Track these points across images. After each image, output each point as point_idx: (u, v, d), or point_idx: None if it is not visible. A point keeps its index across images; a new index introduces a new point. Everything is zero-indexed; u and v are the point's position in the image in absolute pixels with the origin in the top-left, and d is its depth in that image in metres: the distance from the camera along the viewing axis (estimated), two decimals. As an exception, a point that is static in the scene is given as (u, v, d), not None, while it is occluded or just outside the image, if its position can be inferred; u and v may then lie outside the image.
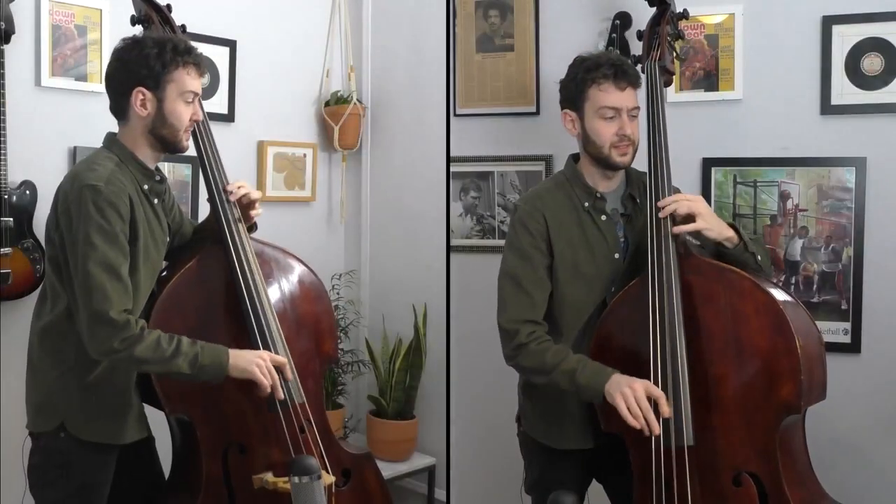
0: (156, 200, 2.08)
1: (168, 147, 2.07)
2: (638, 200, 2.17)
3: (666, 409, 1.91)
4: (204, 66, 2.09)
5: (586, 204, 2.15)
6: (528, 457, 2.30)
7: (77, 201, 1.91)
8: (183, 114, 2.04)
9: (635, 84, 2.11)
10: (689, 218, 2.01)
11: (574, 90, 2.11)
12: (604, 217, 2.15)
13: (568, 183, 2.19)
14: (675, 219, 2.02)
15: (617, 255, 2.14)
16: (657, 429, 1.89)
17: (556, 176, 2.26)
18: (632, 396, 1.89)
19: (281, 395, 2.06)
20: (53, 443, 2.00)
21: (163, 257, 2.13)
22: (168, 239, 2.16)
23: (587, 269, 2.13)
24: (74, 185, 1.93)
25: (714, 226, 2.02)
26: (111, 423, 2.03)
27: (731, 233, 2.03)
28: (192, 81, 2.04)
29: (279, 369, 2.06)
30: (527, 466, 2.30)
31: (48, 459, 2.01)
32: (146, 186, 2.05)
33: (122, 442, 2.06)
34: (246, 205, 2.22)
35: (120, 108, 2.04)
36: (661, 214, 2.03)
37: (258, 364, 2.01)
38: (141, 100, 1.99)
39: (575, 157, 2.23)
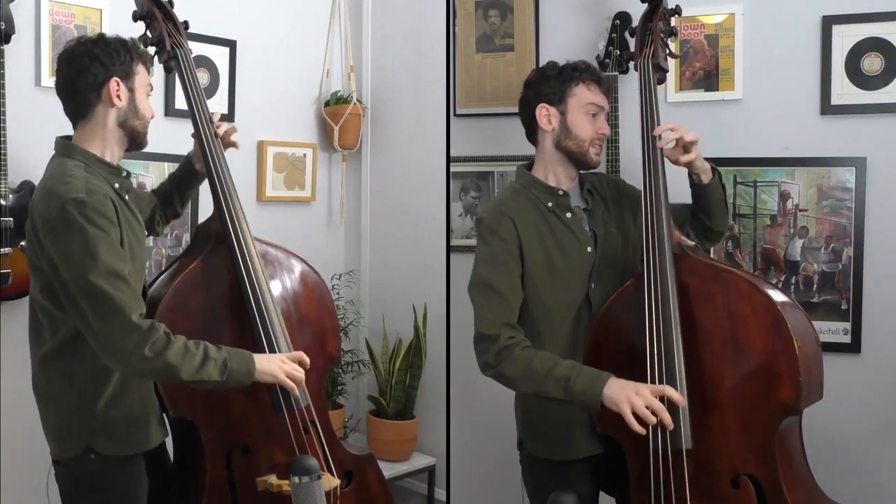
0: (126, 196, 2.04)
1: (135, 142, 2.06)
2: (594, 195, 2.22)
3: (679, 397, 1.88)
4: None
5: (550, 204, 2.16)
6: (535, 482, 2.25)
7: (63, 219, 1.82)
8: (149, 107, 2.06)
9: (610, 93, 2.28)
10: (687, 147, 2.09)
11: (558, 86, 2.15)
12: (569, 214, 2.17)
13: (525, 189, 2.20)
14: (674, 147, 2.11)
15: (589, 249, 2.15)
16: (671, 424, 1.87)
17: (510, 186, 2.26)
18: (640, 403, 1.86)
19: (297, 393, 2.05)
20: (82, 466, 1.95)
21: (145, 253, 2.10)
22: (146, 233, 2.14)
23: (563, 268, 2.13)
24: (53, 204, 1.84)
25: (699, 156, 2.12)
26: (136, 431, 2.00)
27: (707, 166, 2.15)
28: (149, 77, 2.07)
29: (302, 366, 2.06)
30: (533, 495, 2.25)
31: (79, 484, 1.97)
32: (117, 185, 2.01)
33: (149, 447, 2.03)
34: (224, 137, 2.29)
35: (86, 104, 1.97)
36: (661, 143, 2.09)
37: (284, 369, 2.00)
38: (116, 90, 1.97)
39: (526, 167, 2.25)
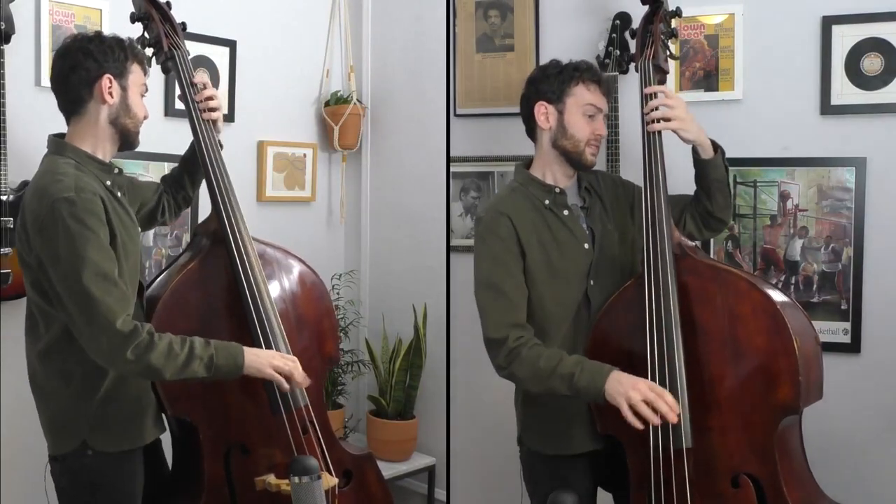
0: (119, 193, 2.04)
1: (126, 140, 2.06)
2: (591, 193, 2.21)
3: (673, 414, 1.87)
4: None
5: (546, 202, 2.16)
6: (535, 479, 2.25)
7: (51, 217, 1.83)
8: (142, 107, 2.06)
9: (610, 94, 2.26)
10: (666, 119, 2.09)
11: (557, 85, 2.15)
12: (566, 212, 2.17)
13: (522, 187, 2.20)
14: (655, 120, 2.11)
15: (587, 246, 2.15)
16: (674, 417, 1.87)
17: (508, 185, 2.27)
18: (638, 399, 1.87)
19: (286, 388, 2.05)
20: (78, 463, 1.96)
21: (140, 250, 2.09)
22: (140, 230, 2.14)
23: (561, 265, 2.13)
24: (44, 202, 1.85)
25: (691, 129, 2.10)
26: (132, 427, 2.00)
27: (707, 141, 2.12)
28: (143, 77, 2.07)
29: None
30: (532, 491, 2.26)
31: (76, 480, 1.97)
32: (108, 182, 2.01)
33: (145, 443, 2.04)
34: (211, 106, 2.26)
35: (79, 100, 1.98)
36: (647, 119, 2.10)
37: (273, 364, 2.00)
38: (108, 87, 1.97)
39: (525, 165, 2.25)
